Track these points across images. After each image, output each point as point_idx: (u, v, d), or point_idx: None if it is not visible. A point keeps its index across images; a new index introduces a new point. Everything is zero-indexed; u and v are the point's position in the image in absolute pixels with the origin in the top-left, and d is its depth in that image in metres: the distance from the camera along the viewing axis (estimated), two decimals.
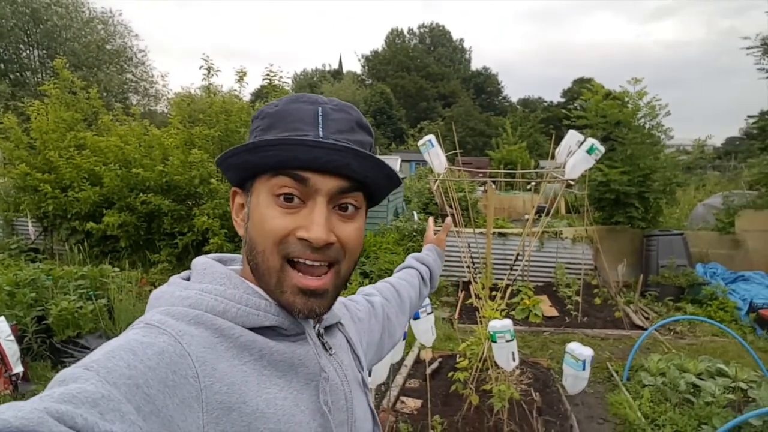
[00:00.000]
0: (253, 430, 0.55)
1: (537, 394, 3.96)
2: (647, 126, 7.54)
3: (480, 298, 3.98)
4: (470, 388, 3.57)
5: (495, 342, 2.81)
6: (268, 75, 7.86)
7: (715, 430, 3.24)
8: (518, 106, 43.61)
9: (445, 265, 6.09)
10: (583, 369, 2.71)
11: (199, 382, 0.53)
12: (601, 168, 7.25)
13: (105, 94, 21.39)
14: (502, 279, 7.33)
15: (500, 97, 52.31)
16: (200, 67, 7.10)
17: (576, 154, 3.36)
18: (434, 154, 3.65)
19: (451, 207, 5.97)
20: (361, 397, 0.77)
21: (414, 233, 7.53)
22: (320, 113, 0.64)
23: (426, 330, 2.96)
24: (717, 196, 9.22)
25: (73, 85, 8.12)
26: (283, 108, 0.66)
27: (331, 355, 0.73)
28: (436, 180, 4.01)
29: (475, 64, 59.41)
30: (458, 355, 4.38)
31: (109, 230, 6.75)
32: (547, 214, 9.59)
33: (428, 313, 2.95)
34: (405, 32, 56.27)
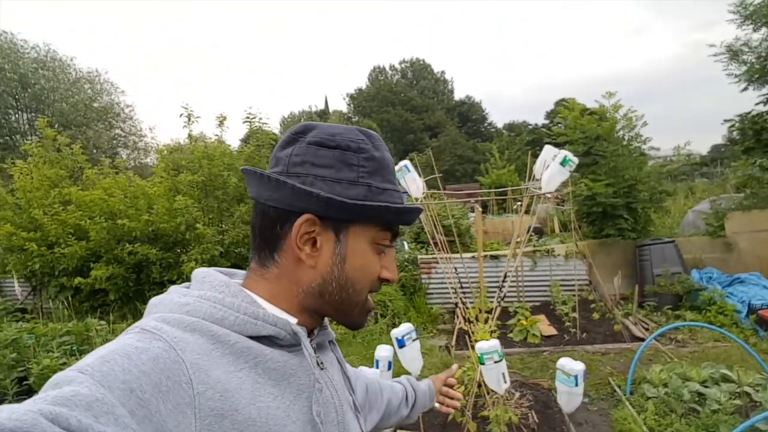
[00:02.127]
0: None
1: (536, 415, 3.83)
2: (626, 137, 7.63)
3: (470, 322, 3.90)
4: (467, 416, 3.45)
5: (483, 364, 2.72)
6: (248, 118, 7.94)
7: None
8: (504, 131, 44.24)
9: (441, 292, 6.01)
10: (576, 384, 2.62)
11: (192, 389, 0.53)
12: (586, 182, 7.29)
13: (95, 150, 21.62)
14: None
15: (486, 124, 53.06)
16: (180, 115, 7.18)
17: (551, 167, 3.37)
18: (410, 179, 3.65)
19: (440, 234, 5.96)
20: (352, 417, 0.77)
21: (405, 263, 7.47)
22: (391, 162, 0.73)
23: (413, 358, 2.87)
24: (705, 201, 9.25)
25: (56, 143, 8.18)
26: (383, 156, 0.71)
27: (322, 369, 0.73)
28: (414, 204, 3.95)
29: (459, 94, 60.50)
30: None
31: (97, 284, 6.65)
32: (540, 235, 9.54)
33: (413, 340, 2.87)
34: (387, 68, 57.50)
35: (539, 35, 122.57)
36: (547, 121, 39.07)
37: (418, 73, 57.30)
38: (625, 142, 7.56)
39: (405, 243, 8.68)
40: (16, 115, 22.48)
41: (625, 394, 4.09)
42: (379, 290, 0.74)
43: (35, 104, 22.08)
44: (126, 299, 7.03)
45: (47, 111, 21.41)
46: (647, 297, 6.48)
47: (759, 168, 7.90)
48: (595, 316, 6.21)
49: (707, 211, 8.13)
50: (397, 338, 2.86)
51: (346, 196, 0.66)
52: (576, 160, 3.36)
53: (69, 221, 6.92)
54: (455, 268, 5.99)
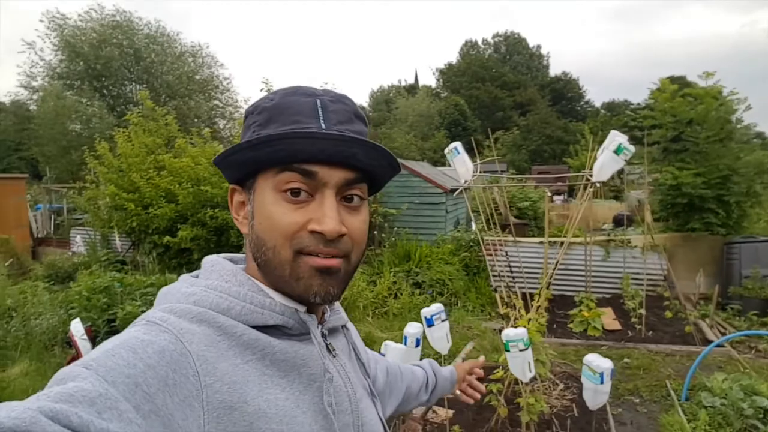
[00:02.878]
0: (255, 430, 0.54)
1: (578, 409, 3.74)
2: (725, 123, 6.90)
3: (514, 307, 3.85)
4: (499, 400, 3.46)
5: (508, 351, 2.72)
6: None
7: None
8: (602, 110, 41.45)
9: (504, 276, 5.88)
10: (602, 382, 2.54)
11: (199, 381, 0.52)
12: (672, 170, 6.75)
13: (195, 120, 23.28)
14: (565, 290, 7.04)
15: (582, 102, 50.00)
16: (261, 90, 7.56)
17: (603, 155, 3.19)
18: (459, 161, 3.63)
19: (499, 215, 5.86)
20: (369, 403, 0.76)
21: (471, 243, 7.41)
22: (319, 105, 0.64)
23: (440, 337, 2.92)
24: None
25: (155, 113, 8.96)
26: (281, 101, 0.65)
27: (334, 357, 0.72)
28: (460, 188, 3.95)
29: (554, 70, 57.36)
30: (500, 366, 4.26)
31: (183, 243, 7.32)
32: (630, 224, 9.03)
33: (443, 320, 2.92)
34: (479, 43, 55.79)
35: (650, 6, 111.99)
36: (652, 101, 35.95)
37: (512, 47, 55.05)
38: (723, 128, 6.85)
39: (473, 223, 8.60)
40: (131, 86, 24.70)
41: (679, 400, 3.86)
42: (317, 247, 0.62)
43: (146, 76, 24.07)
44: None
45: (156, 83, 23.31)
46: (731, 299, 5.95)
47: None
48: (668, 314, 5.82)
49: None
50: (425, 317, 2.92)
51: None
52: (632, 148, 3.15)
53: (161, 185, 7.61)
54: (506, 252, 5.87)
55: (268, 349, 0.61)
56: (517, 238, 8.03)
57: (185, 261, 7.87)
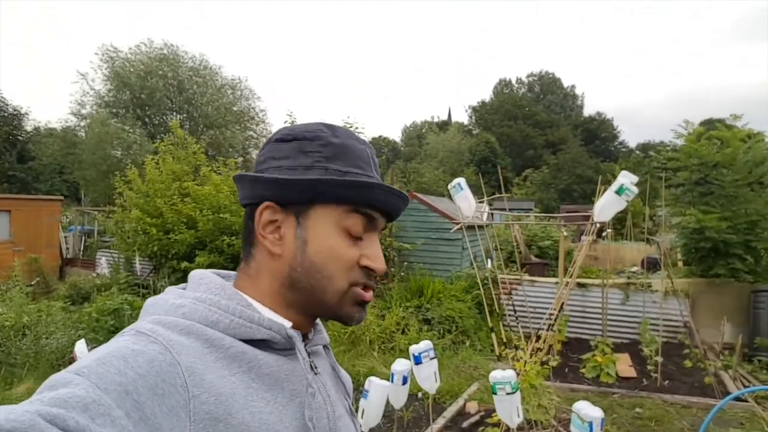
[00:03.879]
0: None
1: None
2: (755, 167, 6.69)
3: (516, 348, 3.75)
4: None
5: (495, 394, 2.64)
6: (345, 124, 8.35)
7: None
8: (636, 151, 40.71)
9: (521, 315, 5.80)
10: None
11: (187, 392, 0.53)
12: (695, 214, 6.55)
13: (230, 150, 24.07)
14: (579, 332, 6.81)
15: (616, 143, 49.31)
16: (284, 122, 7.78)
17: (605, 195, 3.13)
18: (462, 197, 3.63)
19: (536, 256, 5.78)
20: (349, 422, 0.77)
21: (485, 281, 7.29)
22: (370, 155, 0.72)
23: (428, 376, 2.86)
24: None
25: (185, 142, 9.32)
26: (345, 142, 0.69)
27: (316, 374, 0.73)
28: (459, 224, 3.93)
29: (589, 110, 57.10)
30: None
31: (199, 269, 7.47)
32: (655, 268, 8.74)
33: (431, 358, 2.86)
34: (513, 81, 56.19)
35: (691, 43, 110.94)
36: (678, 141, 35.15)
37: (546, 87, 55.20)
38: (751, 173, 6.64)
39: (489, 261, 8.47)
40: (171, 115, 25.81)
41: None
42: (366, 281, 0.69)
43: (187, 106, 25.14)
44: None
45: (195, 113, 24.31)
46: (758, 351, 5.64)
47: None
48: (687, 363, 5.54)
49: None
50: (414, 354, 2.88)
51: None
52: (635, 190, 3.09)
53: (184, 211, 7.84)
54: (510, 292, 5.74)
55: (254, 363, 0.62)
56: (532, 278, 7.87)
57: None
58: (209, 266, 7.51)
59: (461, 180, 3.71)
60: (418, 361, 2.82)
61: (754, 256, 6.40)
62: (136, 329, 0.57)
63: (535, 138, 43.06)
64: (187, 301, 0.63)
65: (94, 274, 9.54)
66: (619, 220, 14.48)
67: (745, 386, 4.98)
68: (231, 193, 7.98)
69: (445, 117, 57.19)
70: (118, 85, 21.98)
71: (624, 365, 5.65)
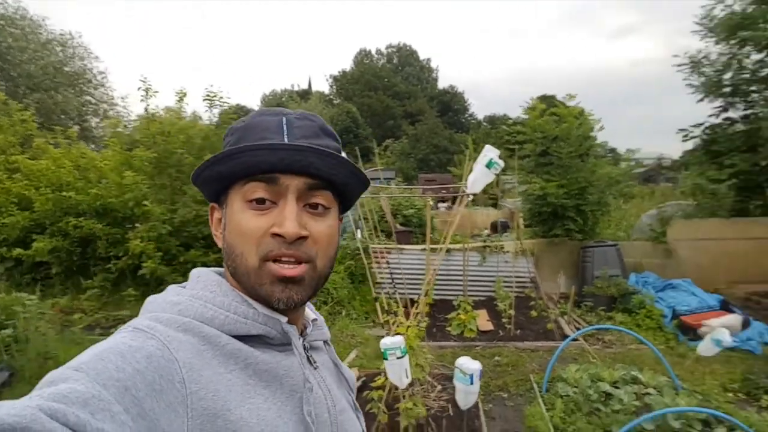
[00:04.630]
0: None
1: (453, 409, 3.95)
2: (584, 140, 7.75)
3: (393, 313, 3.98)
4: (379, 407, 3.55)
5: (386, 359, 2.80)
6: (208, 96, 7.83)
7: None
8: (484, 123, 44.38)
9: (389, 283, 6.00)
10: (471, 383, 2.72)
11: (185, 388, 0.53)
12: (539, 182, 7.42)
13: (62, 116, 21.00)
14: (443, 294, 7.41)
15: (467, 115, 53.18)
16: (138, 89, 7.04)
17: (476, 169, 3.42)
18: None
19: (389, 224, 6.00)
20: (352, 416, 0.78)
21: (356, 251, 7.52)
22: (284, 122, 0.68)
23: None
24: (657, 207, 9.51)
25: (7, 108, 7.94)
26: (250, 122, 0.69)
27: (315, 369, 0.73)
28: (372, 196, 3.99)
29: (442, 83, 60.45)
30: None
31: (39, 256, 6.55)
32: (505, 231, 9.67)
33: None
34: (373, 52, 57.06)
35: (528, 29, 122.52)
36: (527, 117, 39.31)
37: (404, 59, 57.02)
38: (581, 145, 7.69)
39: (358, 231, 8.72)
40: None
41: (541, 392, 4.24)
42: (280, 251, 0.64)
43: (0, 63, 21.26)
44: (69, 273, 6.94)
45: (13, 72, 20.65)
46: (585, 297, 6.67)
47: (706, 179, 8.15)
48: (533, 314, 6.38)
49: (655, 215, 8.37)
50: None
51: None
52: (502, 163, 3.42)
53: (13, 190, 6.77)
54: (387, 261, 6.05)
55: (250, 359, 0.62)
56: (401, 246, 8.30)
57: (42, 276, 7.06)
58: (52, 251, 6.66)
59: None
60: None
61: (583, 218, 7.49)
62: (134, 326, 0.58)
63: (394, 108, 44.55)
64: (184, 298, 0.64)
65: None
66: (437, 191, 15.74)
67: (577, 329, 5.90)
68: (75, 168, 7.07)
69: (305, 86, 56.27)
70: None
71: (483, 320, 6.31)
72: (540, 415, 3.80)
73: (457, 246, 7.89)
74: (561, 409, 3.79)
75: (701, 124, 8.65)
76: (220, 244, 0.71)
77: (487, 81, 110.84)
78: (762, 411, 3.83)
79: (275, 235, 0.64)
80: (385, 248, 7.91)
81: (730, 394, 4.16)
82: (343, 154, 0.68)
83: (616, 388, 4.01)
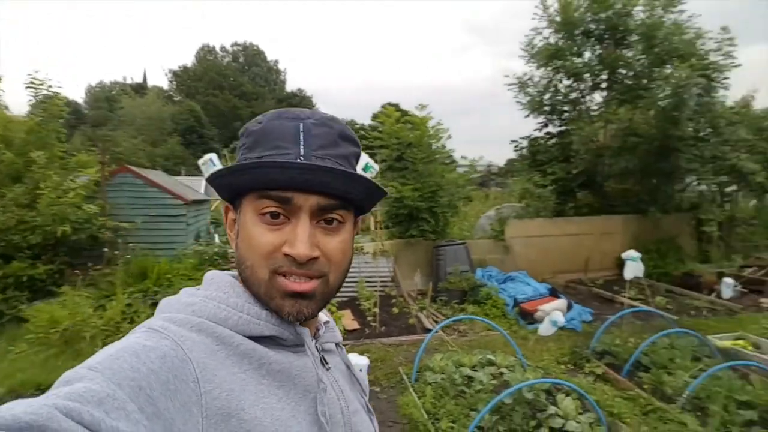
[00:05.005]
0: None
1: None
2: (434, 147, 8.40)
3: None
4: None
5: None
6: (32, 83, 6.76)
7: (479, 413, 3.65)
8: None
9: None
10: None
11: (199, 387, 0.53)
12: (395, 185, 7.84)
13: None
14: None
15: None
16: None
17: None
18: None
19: None
20: (365, 418, 0.78)
21: (215, 257, 7.15)
22: (301, 129, 0.66)
23: None
24: (494, 209, 10.71)
25: None
26: (266, 125, 0.67)
27: (328, 370, 0.73)
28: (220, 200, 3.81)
29: (291, 86, 60.03)
30: None
31: None
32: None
33: None
34: (217, 49, 54.31)
35: (374, 37, 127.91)
36: (373, 122, 41.01)
37: (251, 59, 55.29)
38: (433, 151, 8.32)
39: (216, 236, 8.30)
40: None
41: (410, 382, 4.51)
42: (290, 268, 0.63)
43: None
44: None
45: None
46: (441, 293, 7.23)
47: (533, 184, 9.43)
48: (395, 310, 6.73)
49: (493, 217, 9.42)
50: None
51: None
52: (377, 167, 3.59)
53: None
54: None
55: (264, 360, 0.63)
56: None
57: None
58: None
59: (213, 155, 3.59)
60: None
61: (436, 219, 8.11)
62: (148, 326, 0.58)
63: (242, 109, 42.94)
64: (198, 299, 0.65)
65: None
66: None
67: (436, 321, 6.38)
68: None
69: (140, 79, 51.25)
70: None
71: (348, 320, 6.46)
72: (413, 403, 4.05)
73: None
74: (431, 396, 4.09)
75: (528, 137, 9.98)
76: (233, 244, 0.73)
77: (333, 86, 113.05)
78: (587, 376, 4.58)
79: (287, 255, 0.64)
80: None
81: (563, 366, 4.89)
82: (365, 157, 0.71)
83: (476, 371, 4.45)
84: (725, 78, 8.61)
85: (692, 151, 8.22)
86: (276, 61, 57.54)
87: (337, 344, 0.84)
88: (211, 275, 0.72)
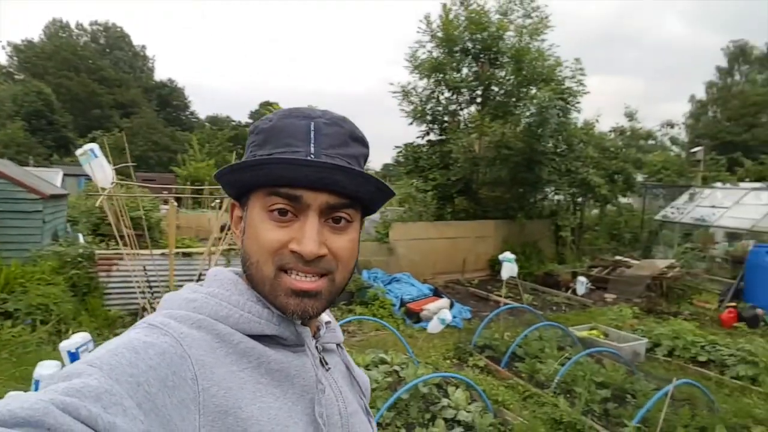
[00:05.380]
0: None
1: None
2: None
3: None
4: None
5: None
6: None
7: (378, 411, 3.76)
8: (206, 123, 42.78)
9: (122, 292, 5.38)
10: None
11: (197, 385, 0.53)
12: None
13: None
14: None
15: (188, 112, 50.30)
16: None
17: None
18: (97, 165, 3.17)
19: (128, 227, 5.34)
20: (364, 419, 0.77)
21: (79, 258, 6.39)
22: (312, 128, 0.65)
23: None
24: (379, 212, 11.02)
25: None
26: (277, 123, 0.66)
27: (327, 370, 0.73)
28: (104, 196, 3.48)
29: (160, 75, 55.74)
30: None
31: None
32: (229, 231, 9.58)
33: (90, 352, 2.48)
34: (72, 26, 48.43)
35: (254, 35, 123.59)
36: (251, 120, 39.66)
37: (113, 41, 50.24)
38: None
39: (80, 235, 7.44)
40: None
41: None
42: (297, 266, 0.63)
43: None
44: None
45: None
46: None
47: (415, 188, 9.90)
48: None
49: (377, 221, 9.70)
50: (69, 351, 2.42)
51: None
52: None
53: None
54: (144, 267, 5.45)
55: (263, 358, 0.62)
56: (137, 251, 7.45)
57: None
58: None
59: (94, 146, 3.20)
60: (75, 359, 2.38)
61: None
62: (149, 322, 0.58)
63: (102, 96, 38.86)
64: (200, 295, 0.64)
65: None
66: (199, 190, 15.13)
67: None
68: None
69: None
70: None
71: None
72: None
73: (202, 250, 7.53)
74: None
75: (412, 143, 10.46)
76: (238, 242, 0.72)
77: (207, 80, 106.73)
78: (472, 369, 4.95)
79: (294, 251, 0.63)
80: (115, 254, 6.94)
81: (449, 361, 5.22)
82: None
83: (369, 370, 4.56)
84: (578, 102, 9.90)
85: (552, 164, 9.29)
86: (143, 47, 53.07)
87: (338, 345, 0.84)
88: (215, 272, 0.70)
